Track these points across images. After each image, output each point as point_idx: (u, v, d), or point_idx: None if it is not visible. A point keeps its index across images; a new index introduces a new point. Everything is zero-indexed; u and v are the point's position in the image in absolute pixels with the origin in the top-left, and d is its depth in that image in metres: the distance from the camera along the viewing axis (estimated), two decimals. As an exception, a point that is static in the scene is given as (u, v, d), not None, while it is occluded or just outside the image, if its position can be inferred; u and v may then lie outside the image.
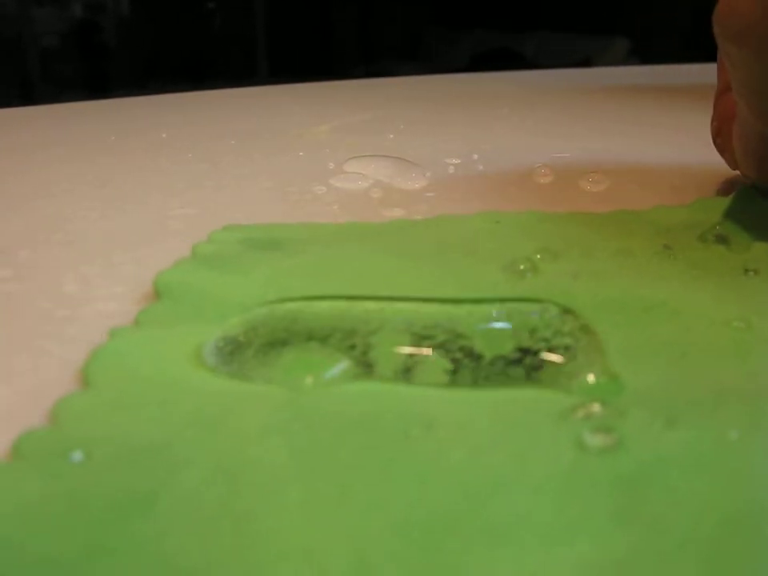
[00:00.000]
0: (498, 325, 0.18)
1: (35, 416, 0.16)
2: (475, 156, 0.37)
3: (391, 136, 0.42)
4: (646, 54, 1.60)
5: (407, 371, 0.17)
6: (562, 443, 0.14)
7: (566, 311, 0.18)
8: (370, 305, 0.18)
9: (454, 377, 0.17)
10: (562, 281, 0.21)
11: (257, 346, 0.17)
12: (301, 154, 0.38)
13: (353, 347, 0.17)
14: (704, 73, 0.39)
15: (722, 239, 0.24)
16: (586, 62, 1.64)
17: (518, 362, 0.17)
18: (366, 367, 0.17)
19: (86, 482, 0.13)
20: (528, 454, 0.14)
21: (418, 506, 0.13)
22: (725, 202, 0.26)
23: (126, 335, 0.18)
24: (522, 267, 0.22)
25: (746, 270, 0.22)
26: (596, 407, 0.15)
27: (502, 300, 0.19)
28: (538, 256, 0.23)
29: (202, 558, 0.12)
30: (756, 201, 0.26)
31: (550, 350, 0.17)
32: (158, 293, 0.21)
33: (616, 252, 0.23)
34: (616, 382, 0.16)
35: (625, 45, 1.81)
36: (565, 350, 0.17)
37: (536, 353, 0.17)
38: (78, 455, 0.14)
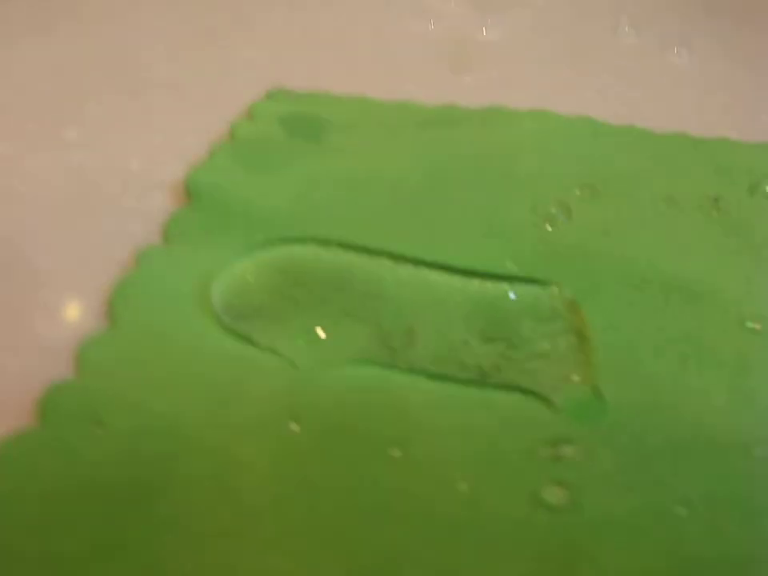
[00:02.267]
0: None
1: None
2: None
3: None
4: None
5: (409, 345, 0.18)
6: (521, 490, 0.15)
7: (571, 305, 0.19)
8: (383, 263, 0.19)
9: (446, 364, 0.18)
10: (590, 239, 0.21)
11: (266, 302, 0.18)
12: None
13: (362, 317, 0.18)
14: None
15: None
16: None
17: (508, 358, 0.18)
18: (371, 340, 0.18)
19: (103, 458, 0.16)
20: (485, 499, 0.15)
21: (370, 540, 0.15)
22: None
23: (151, 260, 0.19)
24: (553, 211, 0.21)
25: None
26: (567, 450, 0.16)
27: (512, 279, 0.19)
28: (578, 192, 0.22)
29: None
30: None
31: (542, 352, 0.18)
32: (189, 195, 0.21)
33: (659, 198, 0.22)
34: (598, 400, 0.17)
35: None
36: (554, 351, 0.18)
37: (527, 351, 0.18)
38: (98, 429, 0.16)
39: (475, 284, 0.19)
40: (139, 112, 0.24)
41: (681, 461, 0.16)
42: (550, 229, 0.21)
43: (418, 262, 0.19)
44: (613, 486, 0.16)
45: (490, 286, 0.19)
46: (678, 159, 0.24)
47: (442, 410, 0.17)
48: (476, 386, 0.17)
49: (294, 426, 0.16)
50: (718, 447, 0.16)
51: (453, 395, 0.17)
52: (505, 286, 0.19)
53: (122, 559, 0.14)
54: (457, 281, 0.19)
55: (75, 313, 0.19)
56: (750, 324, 0.19)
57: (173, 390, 0.17)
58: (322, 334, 0.18)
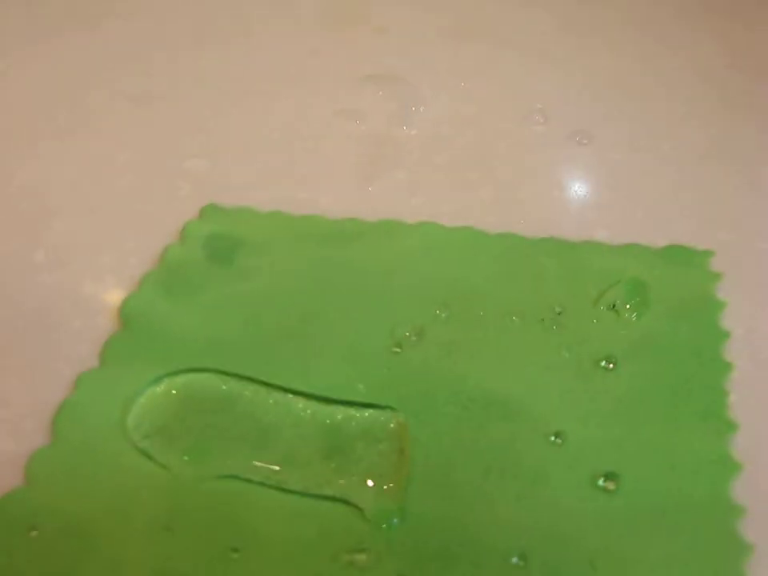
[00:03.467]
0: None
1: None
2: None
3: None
4: None
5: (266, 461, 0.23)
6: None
7: (400, 426, 0.23)
8: (260, 391, 0.25)
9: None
10: (432, 360, 0.25)
11: (165, 423, 0.24)
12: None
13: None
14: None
15: (613, 306, 0.26)
16: None
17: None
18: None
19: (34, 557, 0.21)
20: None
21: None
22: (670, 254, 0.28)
23: (87, 383, 0.25)
24: (407, 334, 0.26)
25: (605, 361, 0.25)
26: (360, 557, 0.21)
27: (357, 404, 0.24)
28: (437, 312, 0.26)
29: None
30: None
31: (366, 468, 0.23)
32: (122, 322, 0.27)
33: (509, 313, 0.26)
34: (399, 510, 0.21)
35: None
36: (377, 467, 0.22)
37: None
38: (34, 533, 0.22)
39: (328, 409, 0.24)
40: (95, 231, 0.30)
41: (450, 569, 0.20)
42: (398, 351, 0.25)
43: (285, 390, 0.24)
44: None
45: (339, 410, 0.24)
46: (540, 267, 0.27)
47: (277, 518, 0.22)
48: (311, 497, 0.22)
49: (168, 530, 0.22)
50: (484, 554, 0.21)
51: (290, 505, 0.22)
52: (352, 410, 0.24)
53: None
54: (314, 406, 0.24)
55: (27, 428, 0.25)
56: (552, 438, 0.23)
57: (91, 498, 0.22)
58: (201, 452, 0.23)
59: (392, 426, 0.23)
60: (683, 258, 0.28)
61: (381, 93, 0.36)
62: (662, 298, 0.26)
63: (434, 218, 0.30)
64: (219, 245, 0.29)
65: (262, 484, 0.22)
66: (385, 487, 0.22)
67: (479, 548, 0.21)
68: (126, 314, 0.27)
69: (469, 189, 0.32)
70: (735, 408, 0.24)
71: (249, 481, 0.23)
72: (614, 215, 0.30)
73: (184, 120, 0.35)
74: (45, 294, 0.28)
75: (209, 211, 0.30)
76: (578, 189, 0.31)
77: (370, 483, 0.22)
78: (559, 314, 0.26)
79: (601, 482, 0.22)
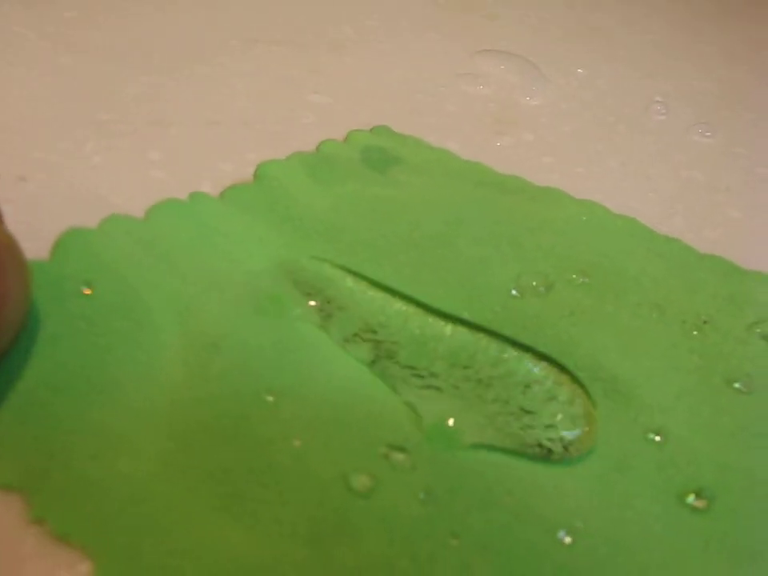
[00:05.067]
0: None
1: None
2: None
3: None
4: None
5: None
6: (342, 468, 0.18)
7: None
8: (379, 296, 0.23)
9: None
10: (549, 313, 0.23)
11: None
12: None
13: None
14: None
15: None
16: None
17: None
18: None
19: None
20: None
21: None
22: None
23: (199, 202, 0.24)
24: (534, 284, 0.24)
25: (739, 383, 0.22)
26: (398, 456, 0.19)
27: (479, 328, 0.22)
28: (573, 276, 0.24)
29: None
30: None
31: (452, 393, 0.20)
32: (255, 177, 0.26)
33: (647, 303, 0.24)
34: (454, 441, 0.19)
35: None
36: (459, 396, 0.20)
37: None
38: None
39: (433, 319, 0.22)
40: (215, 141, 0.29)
41: (481, 513, 0.18)
42: (516, 295, 0.23)
43: (387, 290, 0.23)
44: (407, 493, 0.18)
45: (438, 324, 0.22)
46: (700, 279, 0.25)
47: (339, 387, 0.20)
48: (371, 390, 0.20)
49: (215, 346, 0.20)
50: (530, 520, 0.18)
51: (357, 385, 0.20)
52: (449, 327, 0.22)
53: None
54: (414, 311, 0.22)
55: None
56: (651, 435, 0.20)
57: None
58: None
59: (482, 357, 0.21)
60: None
61: (502, 66, 0.35)
62: None
63: (563, 180, 0.28)
64: (377, 156, 0.28)
65: (334, 348, 0.21)
66: (451, 409, 0.20)
67: (527, 515, 0.18)
68: (261, 172, 0.26)
69: (597, 160, 0.30)
70: None
71: (323, 334, 0.21)
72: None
73: (309, 61, 0.34)
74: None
75: (379, 130, 0.29)
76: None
77: (438, 400, 0.20)
78: (705, 322, 0.23)
79: (691, 499, 0.19)
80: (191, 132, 0.28)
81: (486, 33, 0.38)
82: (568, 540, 0.18)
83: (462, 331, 0.22)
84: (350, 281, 0.23)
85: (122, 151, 0.27)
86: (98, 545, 0.16)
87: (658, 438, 0.20)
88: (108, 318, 0.20)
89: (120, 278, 0.21)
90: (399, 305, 0.22)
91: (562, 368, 0.21)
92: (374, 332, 0.21)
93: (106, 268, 0.21)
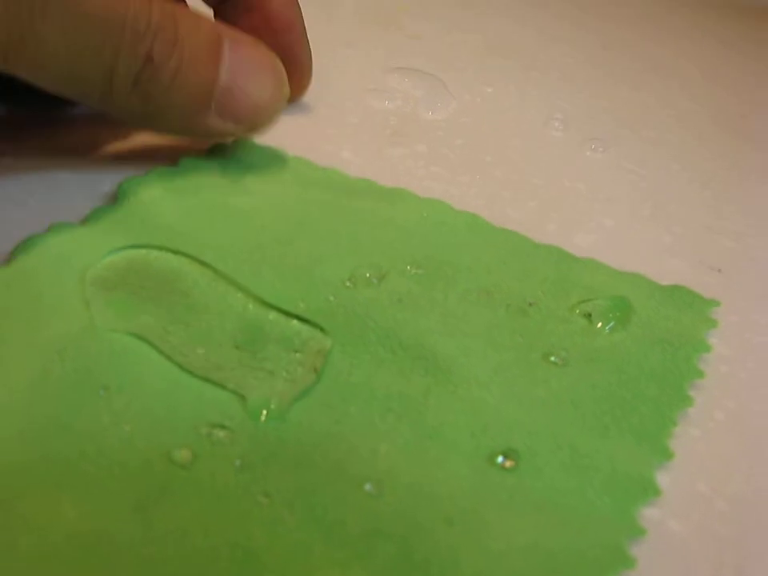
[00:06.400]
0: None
1: None
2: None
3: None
4: None
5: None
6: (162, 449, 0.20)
7: (321, 348, 0.23)
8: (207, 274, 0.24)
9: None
10: (377, 303, 0.24)
11: (114, 280, 0.24)
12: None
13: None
14: None
15: (589, 315, 0.25)
16: None
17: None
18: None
19: None
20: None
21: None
22: None
23: (62, 231, 0.25)
24: (367, 275, 0.25)
25: (556, 357, 0.23)
26: (219, 433, 0.20)
27: (293, 316, 0.23)
28: (408, 268, 0.25)
29: None
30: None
31: (272, 371, 0.22)
32: (117, 196, 0.27)
33: (476, 288, 0.25)
34: (277, 417, 0.21)
35: None
36: (280, 375, 0.22)
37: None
38: None
39: (262, 310, 0.24)
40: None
41: (299, 479, 0.19)
42: (350, 286, 0.25)
43: (231, 282, 0.24)
44: (224, 462, 0.19)
45: (272, 314, 0.24)
46: (533, 268, 0.27)
47: (155, 379, 0.21)
48: (199, 378, 0.22)
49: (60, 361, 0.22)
50: (339, 479, 0.20)
51: (176, 376, 0.21)
52: (282, 317, 0.23)
53: None
54: (251, 303, 0.24)
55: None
56: (475, 394, 0.22)
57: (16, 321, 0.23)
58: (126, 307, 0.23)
59: (314, 343, 0.23)
60: (685, 300, 0.26)
61: (411, 83, 0.37)
62: (644, 323, 0.25)
63: (448, 189, 0.30)
64: (234, 167, 0.29)
65: (163, 354, 0.22)
66: (279, 391, 0.21)
67: (334, 474, 0.20)
68: (123, 191, 0.27)
69: (483, 171, 0.32)
70: (677, 440, 0.22)
71: (153, 346, 0.22)
72: (621, 236, 0.30)
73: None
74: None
75: (243, 143, 0.31)
76: (594, 199, 0.32)
77: (267, 382, 0.22)
78: (530, 305, 0.25)
79: (500, 459, 0.21)
80: None
81: (403, 51, 0.40)
82: (374, 491, 0.19)
83: (295, 321, 0.23)
84: (193, 271, 0.24)
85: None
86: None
87: (472, 408, 0.22)
88: None
89: None
90: (239, 296, 0.24)
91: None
92: (211, 317, 0.23)
93: None
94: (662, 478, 0.21)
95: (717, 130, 0.38)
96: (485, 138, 0.34)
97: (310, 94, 0.35)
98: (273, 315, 0.24)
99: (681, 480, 0.21)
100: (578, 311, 0.25)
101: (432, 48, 0.41)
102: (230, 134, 0.28)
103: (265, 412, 0.21)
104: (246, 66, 0.26)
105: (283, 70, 0.28)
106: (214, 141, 0.30)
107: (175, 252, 0.25)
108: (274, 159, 0.30)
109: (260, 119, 0.28)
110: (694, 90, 0.41)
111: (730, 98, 0.41)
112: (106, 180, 0.28)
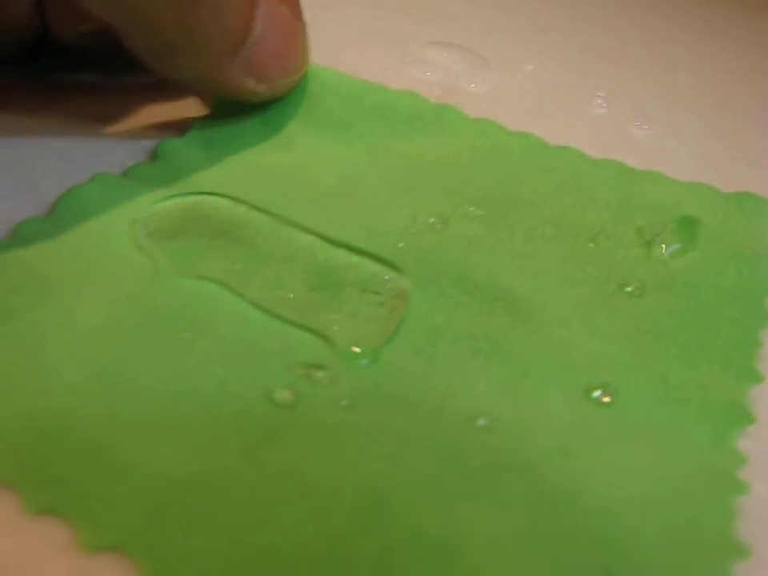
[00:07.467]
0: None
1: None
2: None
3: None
4: None
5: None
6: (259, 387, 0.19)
7: (400, 288, 0.22)
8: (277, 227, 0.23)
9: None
10: (448, 244, 0.24)
11: (170, 228, 0.23)
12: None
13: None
14: None
15: (657, 238, 0.24)
16: None
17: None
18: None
19: None
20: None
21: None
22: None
23: (103, 182, 0.24)
24: (431, 221, 0.24)
25: (632, 287, 0.23)
26: (318, 374, 0.20)
27: (365, 254, 0.23)
28: (470, 209, 0.25)
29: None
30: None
31: (355, 313, 0.21)
32: (156, 155, 0.26)
33: (542, 222, 0.25)
34: (370, 357, 0.20)
35: None
36: (360, 315, 0.21)
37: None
38: None
39: (333, 251, 0.23)
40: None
41: (404, 416, 0.19)
42: (415, 231, 0.24)
43: (296, 226, 0.23)
44: (330, 402, 0.19)
45: (344, 254, 0.23)
46: (592, 187, 0.26)
47: (240, 324, 0.21)
48: (281, 321, 0.21)
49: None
50: (445, 416, 0.19)
51: (259, 319, 0.21)
52: (355, 257, 0.23)
53: None
54: (318, 244, 0.23)
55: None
56: (558, 332, 0.21)
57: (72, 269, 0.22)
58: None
59: (392, 285, 0.22)
60: (753, 207, 0.26)
61: (451, 57, 0.36)
62: (714, 240, 0.24)
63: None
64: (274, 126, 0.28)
65: (241, 297, 0.21)
66: (366, 333, 0.21)
67: (441, 411, 0.19)
68: (161, 150, 0.26)
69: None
70: (764, 362, 0.22)
71: (228, 289, 0.21)
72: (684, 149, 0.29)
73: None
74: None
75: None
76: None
77: (352, 324, 0.21)
78: (598, 233, 0.25)
79: (597, 393, 0.20)
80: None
81: (441, 27, 0.39)
82: (487, 426, 0.19)
83: (368, 262, 0.23)
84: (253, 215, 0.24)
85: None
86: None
87: (558, 346, 0.21)
88: None
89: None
90: (308, 238, 0.23)
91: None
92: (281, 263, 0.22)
93: None
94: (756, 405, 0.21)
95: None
96: (528, 111, 0.33)
97: (350, 64, 0.33)
98: (345, 258, 0.23)
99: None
100: (646, 236, 0.24)
101: (471, 25, 0.40)
102: (248, 91, 0.26)
103: (358, 351, 0.20)
104: (279, 24, 0.25)
105: (308, 41, 0.27)
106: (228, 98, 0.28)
107: (233, 198, 0.24)
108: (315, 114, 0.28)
109: (282, 83, 0.27)
110: (738, 73, 0.41)
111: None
112: (146, 141, 0.27)
